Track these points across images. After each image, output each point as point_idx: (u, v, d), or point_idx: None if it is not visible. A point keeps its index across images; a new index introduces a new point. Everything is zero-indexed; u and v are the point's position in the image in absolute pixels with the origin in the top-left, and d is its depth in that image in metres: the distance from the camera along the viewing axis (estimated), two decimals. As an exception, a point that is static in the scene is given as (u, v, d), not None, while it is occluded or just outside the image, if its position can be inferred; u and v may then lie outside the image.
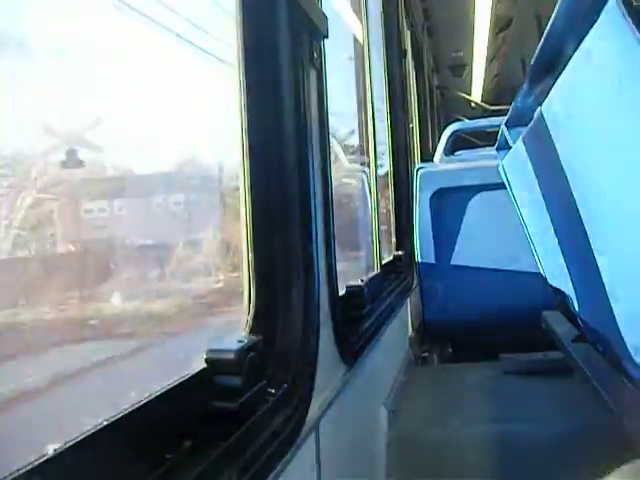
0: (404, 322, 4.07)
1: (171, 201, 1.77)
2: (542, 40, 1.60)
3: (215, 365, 1.27)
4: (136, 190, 1.58)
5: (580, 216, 1.63)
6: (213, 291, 1.90)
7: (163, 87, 1.59)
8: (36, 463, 0.84)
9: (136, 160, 1.54)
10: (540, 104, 1.72)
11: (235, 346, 1.28)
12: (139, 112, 1.48)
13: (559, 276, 2.54)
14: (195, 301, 1.84)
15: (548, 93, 1.60)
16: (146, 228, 1.64)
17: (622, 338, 1.59)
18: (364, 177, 4.00)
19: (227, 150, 1.72)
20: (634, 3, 1.00)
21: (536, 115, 1.81)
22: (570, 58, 1.34)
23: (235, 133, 1.54)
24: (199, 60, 1.80)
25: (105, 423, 0.99)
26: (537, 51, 1.69)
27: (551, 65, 1.68)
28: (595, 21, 1.11)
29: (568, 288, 2.41)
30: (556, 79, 1.49)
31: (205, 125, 1.82)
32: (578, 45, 1.26)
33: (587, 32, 1.18)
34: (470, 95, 10.27)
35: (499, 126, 2.71)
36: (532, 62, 1.77)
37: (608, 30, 1.09)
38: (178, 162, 1.78)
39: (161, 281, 1.67)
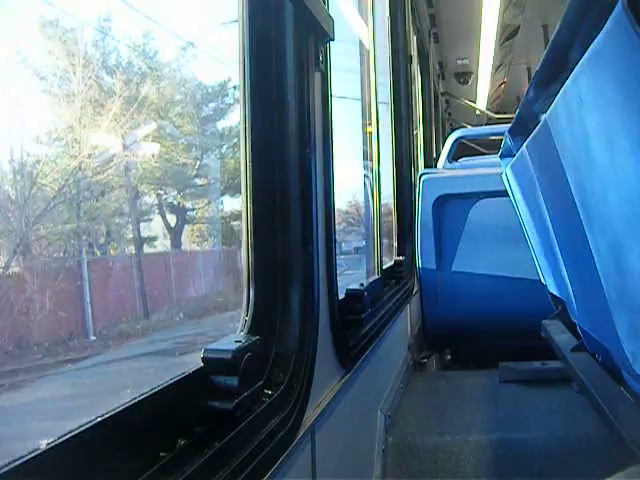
0: (404, 327, 4.06)
1: None
2: (548, 47, 1.59)
3: (212, 364, 1.26)
4: None
5: (582, 225, 1.63)
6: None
7: None
8: (28, 457, 0.84)
9: None
10: (544, 112, 1.72)
11: (232, 346, 1.27)
12: None
13: (560, 285, 2.53)
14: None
15: (552, 101, 1.60)
16: None
17: (622, 348, 1.59)
18: (367, 181, 3.99)
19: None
20: None
21: (540, 123, 1.81)
22: (575, 65, 1.33)
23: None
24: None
25: (99, 419, 0.98)
26: (542, 58, 1.68)
27: (556, 73, 1.68)
28: (601, 29, 1.10)
29: (568, 297, 2.40)
30: (560, 87, 1.48)
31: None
32: (583, 53, 1.25)
33: (593, 40, 1.17)
34: (475, 103, 10.27)
35: (503, 133, 2.70)
36: (537, 69, 1.76)
37: (614, 37, 1.08)
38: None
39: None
